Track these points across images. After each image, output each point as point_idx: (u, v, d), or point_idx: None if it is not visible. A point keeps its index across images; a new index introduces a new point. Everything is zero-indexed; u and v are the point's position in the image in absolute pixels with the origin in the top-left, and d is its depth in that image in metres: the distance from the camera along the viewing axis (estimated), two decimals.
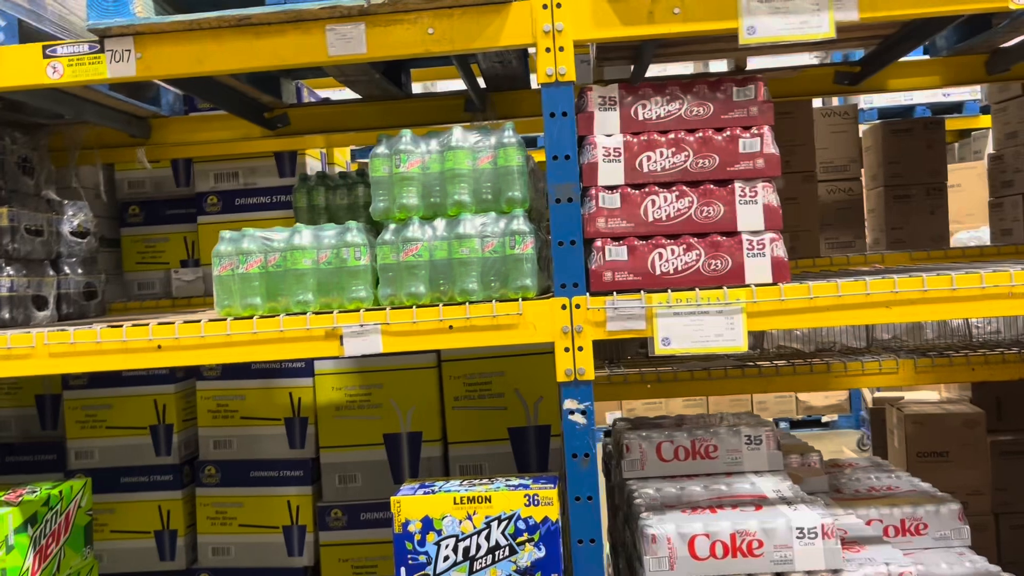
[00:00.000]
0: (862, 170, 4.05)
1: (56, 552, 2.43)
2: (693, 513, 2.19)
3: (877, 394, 4.73)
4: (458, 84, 3.27)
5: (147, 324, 2.12)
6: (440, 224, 2.11)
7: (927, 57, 2.98)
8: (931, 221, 3.87)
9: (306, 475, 3.35)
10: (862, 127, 4.12)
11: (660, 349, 2.02)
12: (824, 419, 7.94)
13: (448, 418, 3.37)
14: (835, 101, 5.71)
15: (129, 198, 3.72)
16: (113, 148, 3.17)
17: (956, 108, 6.33)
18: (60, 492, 2.47)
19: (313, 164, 3.68)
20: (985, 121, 6.47)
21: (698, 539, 2.09)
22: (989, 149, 6.94)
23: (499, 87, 2.98)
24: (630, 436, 2.60)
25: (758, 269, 2.05)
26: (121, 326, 2.12)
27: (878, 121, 4.10)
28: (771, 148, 2.06)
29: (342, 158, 4.08)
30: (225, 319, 2.11)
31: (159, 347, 2.10)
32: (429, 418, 3.34)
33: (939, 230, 3.87)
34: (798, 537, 2.07)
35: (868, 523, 2.45)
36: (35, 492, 2.38)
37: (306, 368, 3.38)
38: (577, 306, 2.05)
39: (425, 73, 3.89)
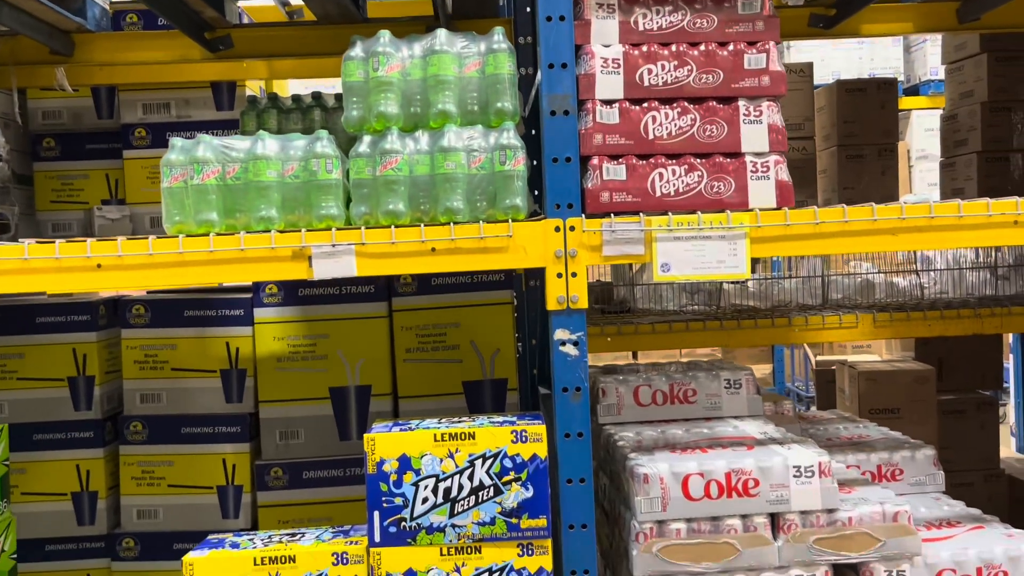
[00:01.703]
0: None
1: None
2: (684, 453, 2.08)
3: (819, 358, 4.76)
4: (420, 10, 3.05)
5: (84, 241, 1.86)
6: (422, 137, 1.92)
7: (900, 3, 2.95)
8: (882, 181, 3.89)
9: (243, 431, 3.09)
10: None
11: (659, 276, 1.89)
12: None
13: (399, 371, 3.17)
14: (789, 58, 5.73)
15: (43, 130, 3.36)
16: (30, 65, 2.83)
17: None
18: None
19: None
20: (908, 102, 6.63)
21: (692, 478, 1.98)
22: (908, 134, 7.13)
23: (466, 14, 2.79)
24: (606, 380, 2.48)
25: (762, 193, 1.94)
26: (53, 242, 1.85)
27: (832, 81, 4.09)
28: (777, 65, 1.95)
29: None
30: (177, 236, 1.87)
31: (99, 266, 1.84)
32: (379, 371, 3.13)
33: (890, 191, 3.89)
34: (795, 476, 1.98)
35: (847, 468, 2.39)
36: None
37: (245, 316, 3.12)
38: (571, 228, 1.90)
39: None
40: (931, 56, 6.37)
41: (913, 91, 6.73)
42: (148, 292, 3.26)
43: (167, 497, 3.09)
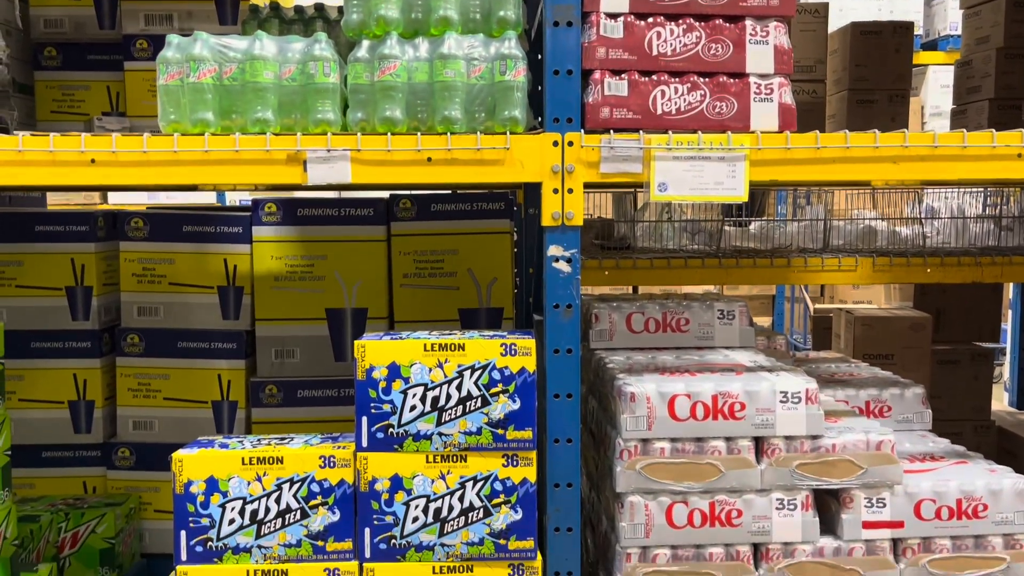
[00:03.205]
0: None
1: None
2: (672, 375, 2.08)
3: (818, 306, 4.76)
4: None
5: (78, 135, 1.84)
6: (422, 44, 1.89)
7: None
8: (891, 128, 3.82)
9: (239, 348, 3.11)
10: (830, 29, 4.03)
11: (656, 195, 1.88)
12: None
13: (396, 296, 3.18)
14: None
15: (45, 39, 3.32)
16: None
17: None
18: None
19: None
20: (925, 57, 6.51)
21: (679, 399, 1.99)
22: (924, 91, 7.02)
23: None
24: (599, 306, 2.48)
25: (764, 115, 1.91)
26: (48, 135, 1.84)
27: (847, 23, 4.01)
28: None
29: None
30: (171, 135, 1.86)
31: (93, 161, 1.83)
32: (375, 295, 3.14)
33: None
34: (781, 401, 1.99)
35: (835, 402, 2.40)
36: None
37: (243, 233, 3.11)
38: (570, 143, 1.88)
39: None
40: (951, 10, 6.24)
41: (931, 46, 6.61)
42: (148, 207, 3.26)
43: (163, 409, 3.12)
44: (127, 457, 3.11)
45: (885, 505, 2.01)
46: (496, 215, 3.13)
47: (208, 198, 6.68)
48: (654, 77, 1.90)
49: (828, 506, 2.07)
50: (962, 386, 3.81)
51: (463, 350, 1.90)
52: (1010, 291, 4.50)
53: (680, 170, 1.87)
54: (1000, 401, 4.72)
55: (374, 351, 1.90)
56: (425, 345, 1.90)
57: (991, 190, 3.92)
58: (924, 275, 3.26)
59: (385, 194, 3.17)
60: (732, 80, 1.91)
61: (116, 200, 6.74)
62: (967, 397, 3.83)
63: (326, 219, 3.11)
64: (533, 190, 2.97)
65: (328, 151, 1.85)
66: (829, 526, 2.05)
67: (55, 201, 5.00)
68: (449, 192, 3.17)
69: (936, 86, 6.95)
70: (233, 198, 7.03)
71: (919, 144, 1.88)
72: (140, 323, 3.12)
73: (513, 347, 1.91)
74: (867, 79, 3.79)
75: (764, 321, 7.91)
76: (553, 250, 1.90)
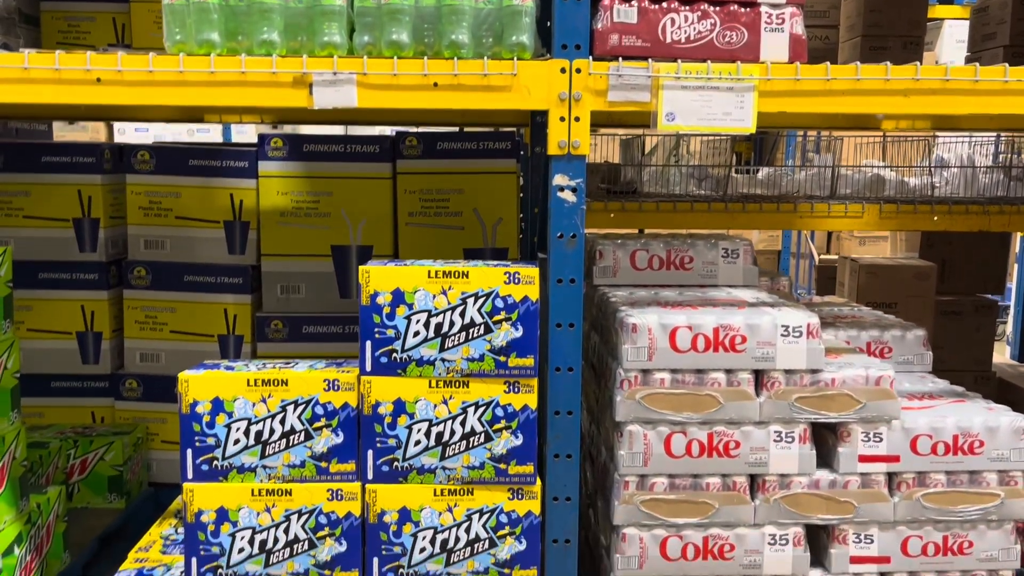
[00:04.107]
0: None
1: None
2: (674, 309, 2.10)
3: (823, 256, 4.75)
4: None
5: (84, 53, 1.84)
6: None
7: None
8: None
9: (245, 283, 3.13)
10: None
11: (664, 125, 1.87)
12: None
13: (401, 234, 3.18)
14: None
15: None
16: None
17: None
18: None
19: None
20: (941, 11, 6.41)
21: (680, 331, 2.00)
22: (938, 46, 6.91)
23: None
24: (603, 243, 2.48)
25: (775, 46, 1.89)
26: (53, 52, 1.83)
27: None
28: None
29: None
30: (177, 55, 1.85)
31: (98, 80, 1.83)
32: (381, 232, 3.15)
33: None
34: (783, 335, 2.01)
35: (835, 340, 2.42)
36: None
37: (249, 168, 3.12)
38: (578, 70, 1.86)
39: None
40: None
41: None
42: (154, 141, 3.25)
43: (169, 342, 3.15)
44: (134, 388, 3.16)
45: (882, 440, 2.03)
46: (502, 154, 3.12)
47: (214, 138, 6.66)
48: (664, 4, 1.88)
49: (825, 440, 2.09)
50: (965, 337, 3.83)
51: (467, 278, 1.91)
52: (1016, 244, 4.48)
53: (688, 100, 1.86)
54: (1002, 354, 4.73)
55: (378, 276, 1.91)
56: (429, 272, 1.91)
57: (1002, 142, 3.89)
58: (931, 223, 3.25)
59: (391, 132, 3.17)
60: (743, 9, 1.89)
61: (121, 141, 6.73)
62: (969, 348, 3.85)
63: (332, 155, 3.11)
64: (539, 128, 2.95)
65: (334, 74, 1.84)
66: (825, 460, 2.08)
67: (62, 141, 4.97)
68: (455, 131, 3.16)
69: (951, 41, 6.84)
70: (237, 139, 7.01)
71: (931, 76, 1.86)
72: (147, 256, 3.14)
73: (517, 275, 1.92)
74: (881, 25, 3.74)
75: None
76: (559, 179, 1.90)
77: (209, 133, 6.77)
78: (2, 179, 3.05)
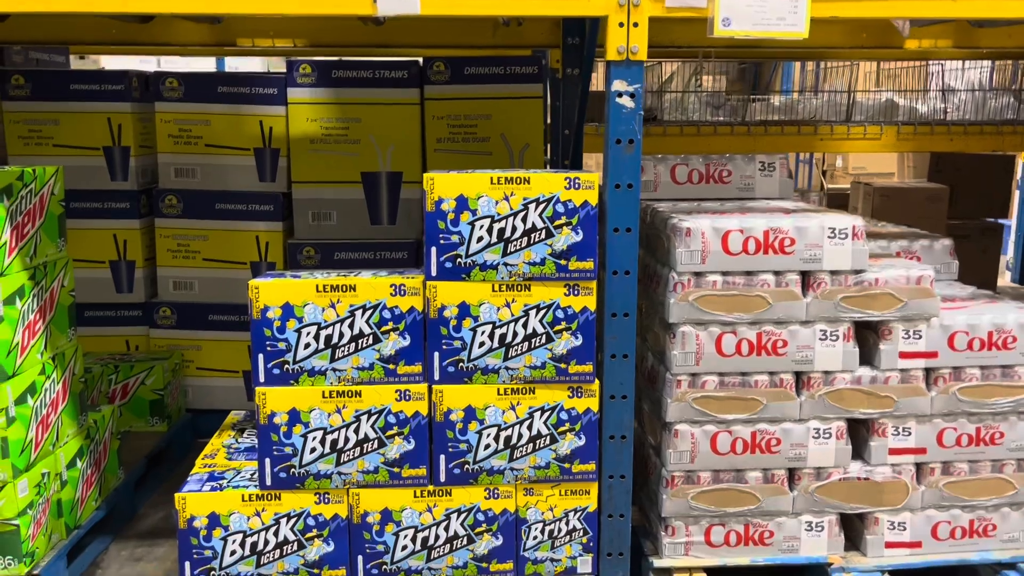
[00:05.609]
0: None
1: (32, 234, 2.22)
2: (723, 215, 2.16)
3: (831, 185, 4.83)
4: None
5: None
6: None
7: None
8: None
9: (276, 210, 3.16)
10: None
11: (720, 30, 1.91)
12: None
13: (429, 160, 3.22)
14: None
15: None
16: None
17: None
18: (34, 171, 2.23)
19: None
20: None
21: (732, 234, 2.07)
22: None
23: None
24: (644, 158, 2.53)
25: None
26: None
27: None
28: None
29: None
30: None
31: None
32: (410, 158, 3.18)
33: None
34: (829, 237, 2.08)
35: None
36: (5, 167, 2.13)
37: (278, 95, 3.13)
38: None
39: None
40: None
41: None
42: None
43: (202, 270, 3.19)
44: (168, 316, 3.20)
45: (921, 337, 2.13)
46: (528, 79, 3.15)
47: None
48: None
49: (866, 339, 2.18)
50: (971, 260, 3.93)
51: (528, 183, 1.97)
52: (1019, 170, 4.59)
53: (744, 5, 1.90)
54: (1003, 278, 4.87)
55: (443, 183, 1.96)
56: (492, 179, 1.96)
57: (1007, 68, 3.96)
58: (947, 144, 3.33)
59: (418, 59, 3.18)
60: None
61: None
62: (975, 271, 3.95)
63: (360, 81, 3.12)
64: (571, 51, 2.98)
65: None
66: (867, 358, 2.17)
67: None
68: (482, 56, 3.17)
69: None
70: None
71: None
72: (177, 184, 3.15)
73: (577, 181, 1.97)
74: None
75: None
76: (617, 84, 1.95)
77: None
78: (31, 107, 3.04)
